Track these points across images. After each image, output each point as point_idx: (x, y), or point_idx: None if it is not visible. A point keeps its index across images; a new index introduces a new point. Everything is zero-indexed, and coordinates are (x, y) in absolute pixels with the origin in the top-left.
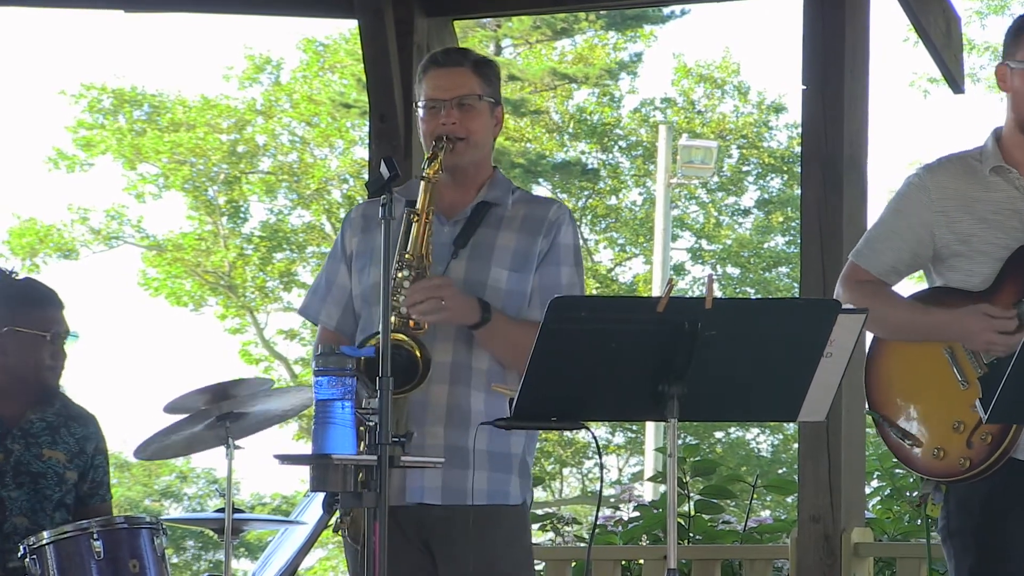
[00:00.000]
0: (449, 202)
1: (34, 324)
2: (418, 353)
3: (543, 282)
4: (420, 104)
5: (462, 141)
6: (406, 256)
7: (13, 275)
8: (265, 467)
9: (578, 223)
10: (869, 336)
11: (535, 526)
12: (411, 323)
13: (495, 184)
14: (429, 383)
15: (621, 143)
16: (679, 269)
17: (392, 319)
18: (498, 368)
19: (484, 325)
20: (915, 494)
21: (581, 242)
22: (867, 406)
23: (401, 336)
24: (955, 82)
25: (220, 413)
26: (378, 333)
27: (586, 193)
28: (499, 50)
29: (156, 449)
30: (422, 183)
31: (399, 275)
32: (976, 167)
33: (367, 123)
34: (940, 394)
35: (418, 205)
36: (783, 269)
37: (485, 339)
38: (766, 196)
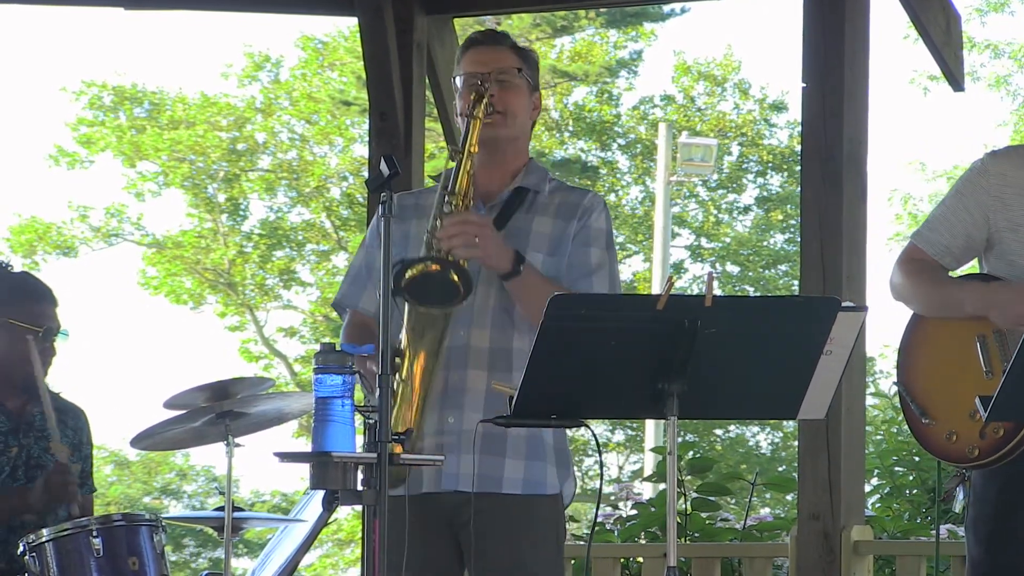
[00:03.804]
0: (485, 186)
1: (27, 318)
2: (455, 277)
3: (572, 260)
4: (458, 79)
5: (500, 115)
6: (449, 197)
7: (9, 268)
8: (265, 464)
9: None
10: (909, 312)
11: None
12: (448, 257)
13: (531, 171)
14: (466, 368)
15: (620, 141)
16: (678, 267)
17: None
18: None
19: (516, 276)
20: (914, 492)
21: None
22: (895, 377)
23: (435, 265)
24: (955, 80)
25: (220, 411)
26: (415, 259)
27: None
28: None
29: (154, 441)
30: (469, 120)
31: (443, 213)
32: None
33: (367, 121)
34: (963, 380)
35: (463, 141)
36: (783, 267)
37: (516, 291)
38: (766, 194)
